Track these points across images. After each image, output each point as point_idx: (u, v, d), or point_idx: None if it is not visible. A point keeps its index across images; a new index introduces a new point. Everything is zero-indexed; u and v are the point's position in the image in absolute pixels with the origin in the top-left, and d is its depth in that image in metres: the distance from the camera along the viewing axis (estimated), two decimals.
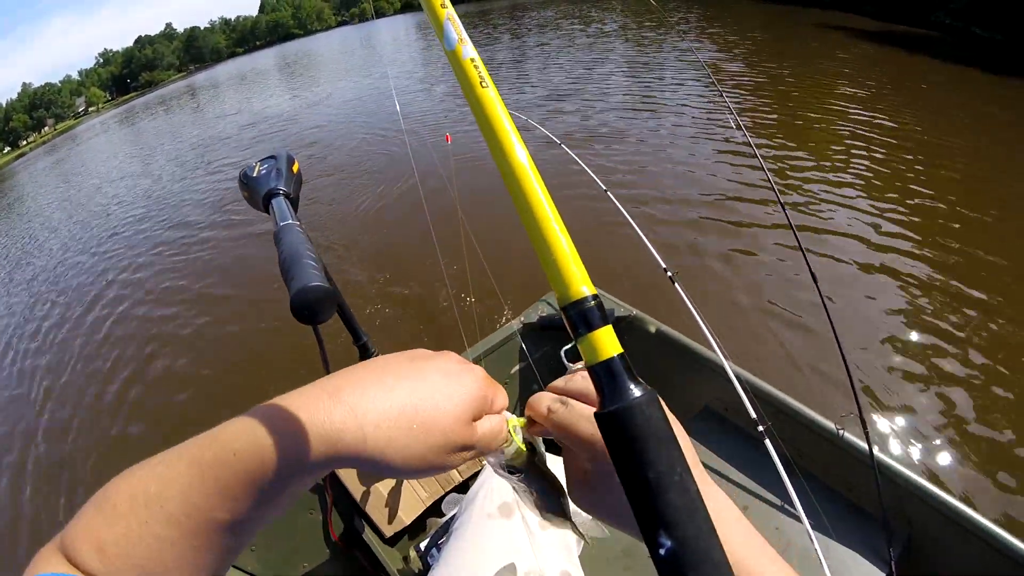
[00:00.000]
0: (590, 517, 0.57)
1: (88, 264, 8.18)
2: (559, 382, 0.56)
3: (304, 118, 14.93)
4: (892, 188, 5.31)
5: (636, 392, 0.38)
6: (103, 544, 0.39)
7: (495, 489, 1.13)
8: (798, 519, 1.47)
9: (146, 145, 19.95)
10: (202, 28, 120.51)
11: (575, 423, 0.50)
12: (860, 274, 4.11)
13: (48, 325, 6.58)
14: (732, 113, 2.29)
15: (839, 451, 1.65)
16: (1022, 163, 5.62)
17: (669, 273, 1.96)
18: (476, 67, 0.44)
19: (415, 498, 1.90)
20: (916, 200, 5.07)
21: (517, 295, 3.51)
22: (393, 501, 1.87)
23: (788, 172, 5.79)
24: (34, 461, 4.33)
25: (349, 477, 1.81)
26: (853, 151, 6.20)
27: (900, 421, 2.94)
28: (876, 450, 1.54)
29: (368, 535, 1.80)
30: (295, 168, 1.11)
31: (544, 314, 2.25)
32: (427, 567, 1.66)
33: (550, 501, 0.59)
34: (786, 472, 1.49)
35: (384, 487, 1.88)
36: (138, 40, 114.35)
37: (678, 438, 0.50)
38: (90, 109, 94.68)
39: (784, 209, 1.94)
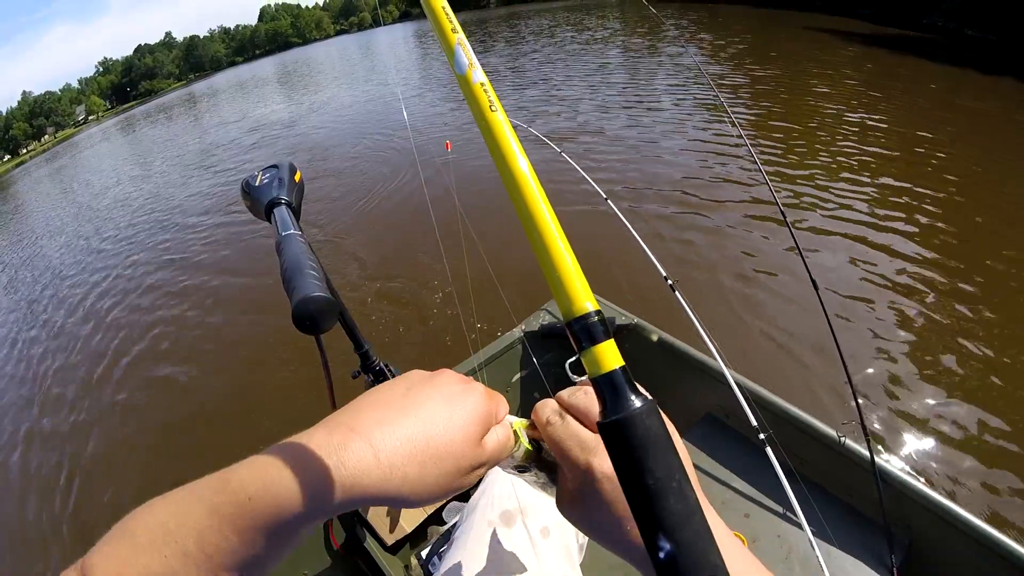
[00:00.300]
0: None
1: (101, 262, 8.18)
2: (565, 393, 0.57)
3: (304, 124, 15.02)
4: (889, 191, 5.35)
5: (636, 403, 0.39)
6: (122, 573, 0.40)
7: (496, 497, 1.13)
8: (800, 526, 1.47)
9: (147, 151, 20.02)
10: (201, 37, 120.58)
11: (567, 445, 0.52)
12: (860, 278, 4.13)
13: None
14: (730, 117, 2.30)
15: (840, 458, 1.66)
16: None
17: (670, 281, 1.97)
18: (486, 91, 0.46)
19: None
20: (916, 202, 5.09)
21: (518, 302, 3.52)
22: (394, 509, 1.88)
23: (786, 177, 5.83)
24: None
25: None
26: (849, 153, 6.26)
27: (901, 427, 2.94)
28: (877, 457, 1.55)
29: (370, 543, 1.80)
30: (297, 177, 1.12)
31: (546, 322, 2.27)
32: (429, 575, 1.67)
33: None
34: (787, 479, 1.50)
35: None
36: (138, 49, 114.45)
37: (684, 458, 0.53)
38: (90, 118, 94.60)
39: (787, 221, 1.95)
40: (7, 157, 75.84)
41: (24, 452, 4.57)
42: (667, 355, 2.03)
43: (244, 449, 0.55)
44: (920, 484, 1.52)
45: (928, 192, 5.23)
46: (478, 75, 0.47)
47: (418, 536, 1.92)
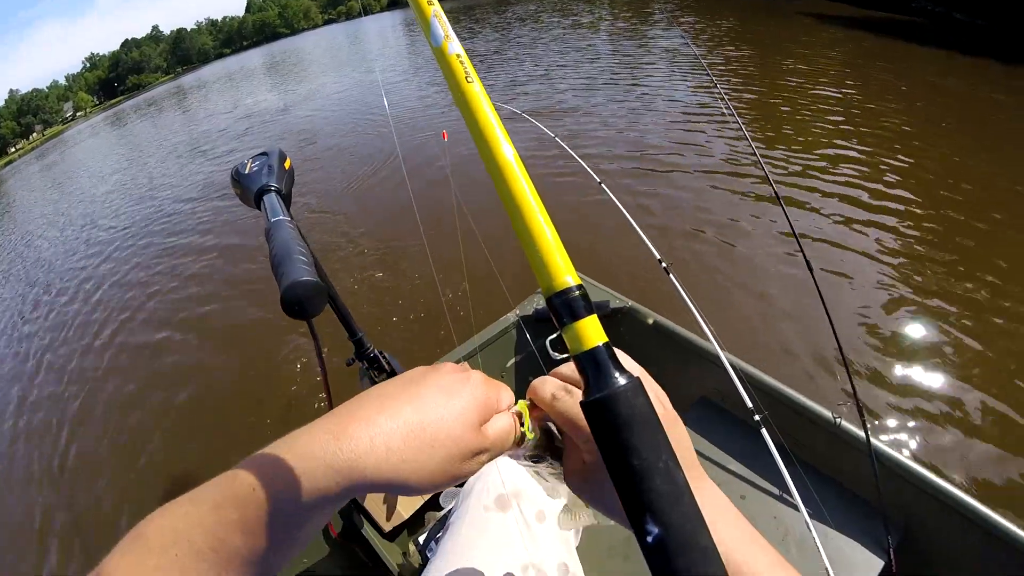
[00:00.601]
0: None
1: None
2: (563, 368, 0.57)
3: (294, 113, 15.01)
4: (879, 170, 5.33)
5: (621, 380, 0.38)
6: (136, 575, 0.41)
7: (491, 482, 1.13)
8: (796, 508, 1.48)
9: (138, 144, 19.93)
10: (188, 30, 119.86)
11: (578, 414, 0.50)
12: (854, 258, 4.11)
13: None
14: (723, 99, 2.28)
15: (836, 440, 1.66)
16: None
17: (664, 264, 1.96)
18: (462, 62, 0.45)
19: None
20: (906, 179, 5.09)
21: (514, 287, 3.51)
22: (391, 496, 1.88)
23: (778, 159, 5.79)
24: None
25: None
26: (840, 135, 6.21)
27: (897, 408, 2.94)
28: (873, 438, 1.55)
29: (367, 530, 1.80)
30: (287, 164, 1.12)
31: (540, 306, 2.26)
32: (426, 561, 1.67)
33: None
34: (783, 461, 1.50)
35: None
36: (124, 43, 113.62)
37: (675, 428, 0.52)
38: (78, 114, 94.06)
39: (780, 200, 1.95)
40: None
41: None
42: (662, 338, 2.03)
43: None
44: (916, 465, 1.52)
45: (919, 172, 5.24)
46: (454, 47, 0.46)
47: (415, 522, 1.92)
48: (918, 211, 4.60)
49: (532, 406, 0.57)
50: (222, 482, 0.44)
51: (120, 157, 18.24)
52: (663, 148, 6.60)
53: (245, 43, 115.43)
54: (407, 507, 1.89)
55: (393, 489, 0.45)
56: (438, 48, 0.46)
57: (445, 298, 4.40)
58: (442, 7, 0.48)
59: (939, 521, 1.50)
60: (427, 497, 1.92)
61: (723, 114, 7.02)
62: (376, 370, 1.58)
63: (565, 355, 0.44)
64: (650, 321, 2.05)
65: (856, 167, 5.45)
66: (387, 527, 1.85)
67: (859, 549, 1.56)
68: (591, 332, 0.39)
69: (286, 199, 1.05)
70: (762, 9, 14.72)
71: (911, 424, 2.86)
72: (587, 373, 0.39)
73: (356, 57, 26.15)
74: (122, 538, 0.43)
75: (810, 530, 1.43)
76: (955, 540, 1.48)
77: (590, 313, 0.40)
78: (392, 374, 1.58)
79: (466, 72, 0.44)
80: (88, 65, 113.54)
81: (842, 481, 1.72)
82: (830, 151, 5.86)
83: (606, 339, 0.39)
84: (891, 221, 4.46)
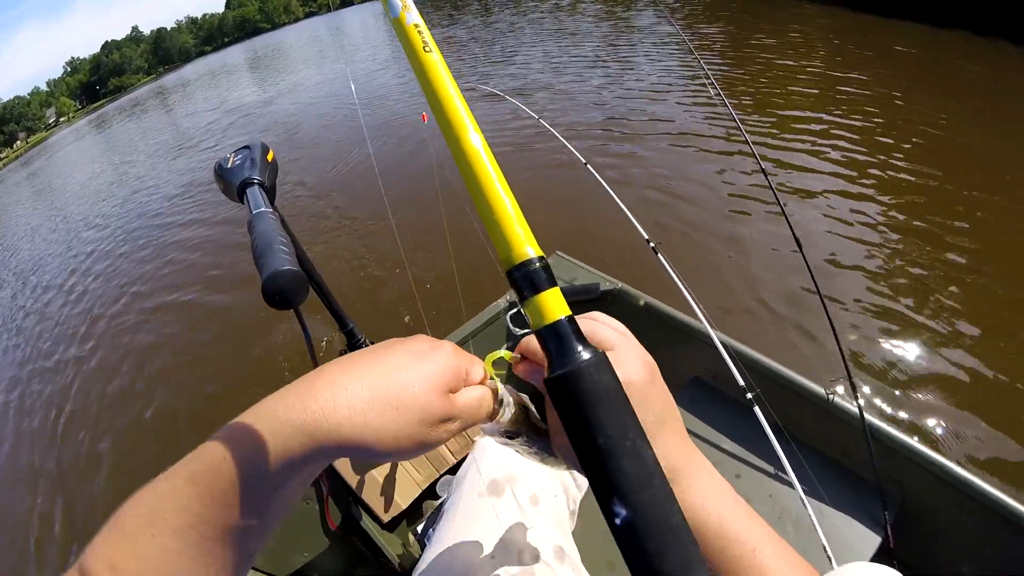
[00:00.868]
0: None
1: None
2: None
3: (278, 105, 15.07)
4: (869, 145, 5.30)
5: (585, 355, 0.37)
6: (115, 562, 0.40)
7: (484, 468, 1.12)
8: (791, 485, 1.47)
9: (125, 144, 20.01)
10: (169, 29, 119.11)
11: None
12: (843, 233, 4.09)
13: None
14: (709, 79, 2.25)
15: (830, 416, 1.64)
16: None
17: (652, 244, 1.94)
18: (420, 32, 0.44)
19: (410, 482, 1.90)
20: (894, 158, 5.06)
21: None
22: (388, 487, 1.88)
23: (766, 137, 5.77)
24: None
25: (343, 465, 1.80)
26: (828, 116, 6.15)
27: (890, 383, 2.94)
28: (867, 413, 1.54)
29: (366, 522, 1.80)
30: (270, 157, 1.11)
31: None
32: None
33: (551, 452, 0.59)
34: (777, 439, 1.50)
35: (379, 473, 1.88)
36: (105, 46, 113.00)
37: (668, 407, 0.52)
38: (61, 120, 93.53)
39: (768, 178, 1.93)
40: None
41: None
42: (653, 320, 2.01)
43: None
44: (911, 440, 1.51)
45: (903, 143, 5.22)
46: (412, 16, 0.45)
47: (414, 512, 1.92)
48: (907, 184, 4.60)
49: (521, 361, 0.56)
50: (194, 455, 0.43)
51: (104, 161, 18.25)
52: (646, 124, 6.61)
53: (226, 40, 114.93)
54: (404, 497, 1.88)
55: (359, 452, 0.45)
56: (396, 19, 0.45)
57: (438, 285, 4.39)
58: None
59: (936, 496, 1.49)
60: (424, 486, 1.91)
61: (705, 89, 7.00)
62: None
63: (526, 331, 0.43)
64: (641, 303, 2.04)
65: (848, 144, 5.46)
66: (385, 518, 1.85)
67: (856, 526, 1.55)
68: (553, 305, 0.38)
69: (270, 191, 1.04)
70: None
71: (904, 399, 2.85)
72: (549, 348, 0.38)
73: (337, 49, 26.09)
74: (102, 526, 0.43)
75: (806, 507, 1.43)
76: (952, 515, 1.48)
77: (552, 285, 0.38)
78: None
79: (424, 42, 0.43)
80: (69, 70, 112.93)
81: (837, 458, 1.71)
82: (815, 126, 5.85)
83: (569, 312, 0.38)
84: (883, 198, 4.44)
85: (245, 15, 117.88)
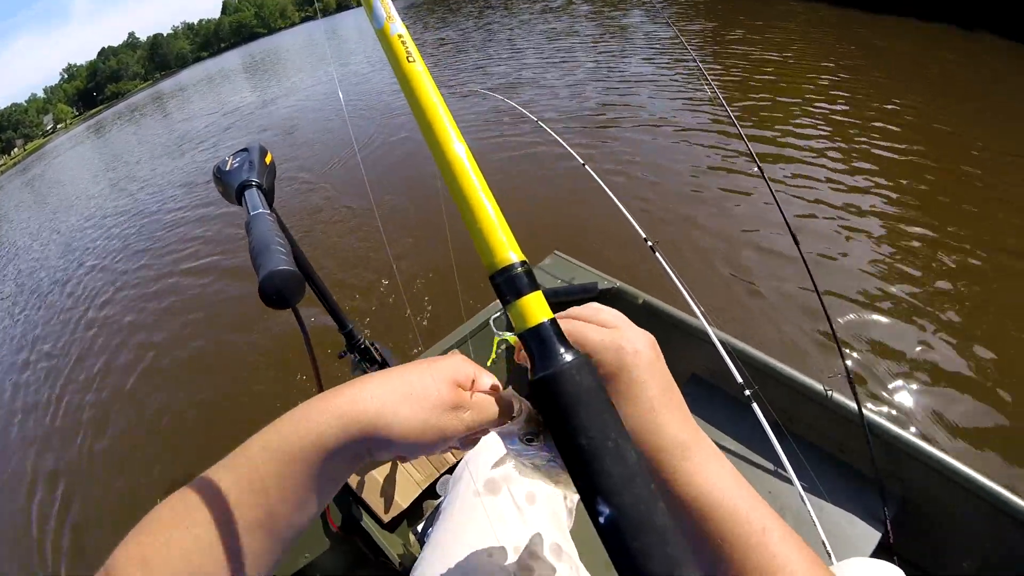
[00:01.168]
0: None
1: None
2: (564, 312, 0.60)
3: (276, 107, 15.10)
4: (861, 141, 5.31)
5: (567, 357, 0.38)
6: (146, 557, 0.42)
7: (480, 466, 1.13)
8: (790, 482, 1.48)
9: (124, 147, 20.02)
10: (165, 35, 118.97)
11: (584, 329, 0.54)
12: (839, 228, 4.10)
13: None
14: (705, 77, 2.25)
15: (828, 412, 1.65)
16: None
17: (650, 243, 1.95)
18: (404, 43, 0.45)
19: (410, 482, 1.91)
20: (889, 152, 5.07)
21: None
22: (389, 487, 1.89)
23: (761, 133, 5.79)
24: None
25: None
26: (821, 109, 6.19)
27: (889, 378, 2.93)
28: (865, 409, 1.55)
29: (367, 522, 1.80)
30: (268, 159, 1.12)
31: None
32: None
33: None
34: (776, 435, 1.51)
35: (379, 474, 1.89)
36: (101, 52, 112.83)
37: (672, 385, 0.54)
38: (58, 126, 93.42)
39: (762, 171, 1.94)
40: None
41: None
42: (651, 318, 2.02)
43: None
44: (910, 435, 1.52)
45: (899, 140, 5.23)
46: (396, 27, 0.46)
47: (414, 512, 1.92)
48: (901, 172, 4.63)
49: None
50: (238, 450, 0.47)
51: (102, 165, 18.27)
52: (639, 120, 6.66)
53: (223, 45, 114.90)
54: (405, 497, 1.89)
55: (381, 439, 0.48)
56: (380, 30, 0.46)
57: (436, 288, 4.39)
58: None
59: (936, 491, 1.50)
60: (424, 486, 1.92)
61: (699, 86, 7.09)
62: (368, 361, 1.58)
63: (509, 333, 0.44)
64: (640, 301, 2.05)
65: (824, 130, 5.55)
66: (386, 518, 1.86)
67: (856, 521, 1.56)
68: (535, 308, 0.39)
69: (268, 193, 1.06)
70: None
71: (904, 393, 2.85)
72: (532, 351, 0.39)
73: (334, 52, 26.08)
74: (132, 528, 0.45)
75: (805, 504, 1.44)
76: (953, 510, 1.49)
77: (534, 289, 0.39)
78: (384, 365, 1.58)
79: (408, 52, 0.44)
80: (66, 76, 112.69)
81: (836, 454, 1.72)
82: (806, 120, 5.88)
83: (551, 315, 0.39)
84: (878, 191, 4.45)
85: (241, 20, 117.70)
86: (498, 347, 0.58)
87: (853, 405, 1.57)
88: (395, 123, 9.11)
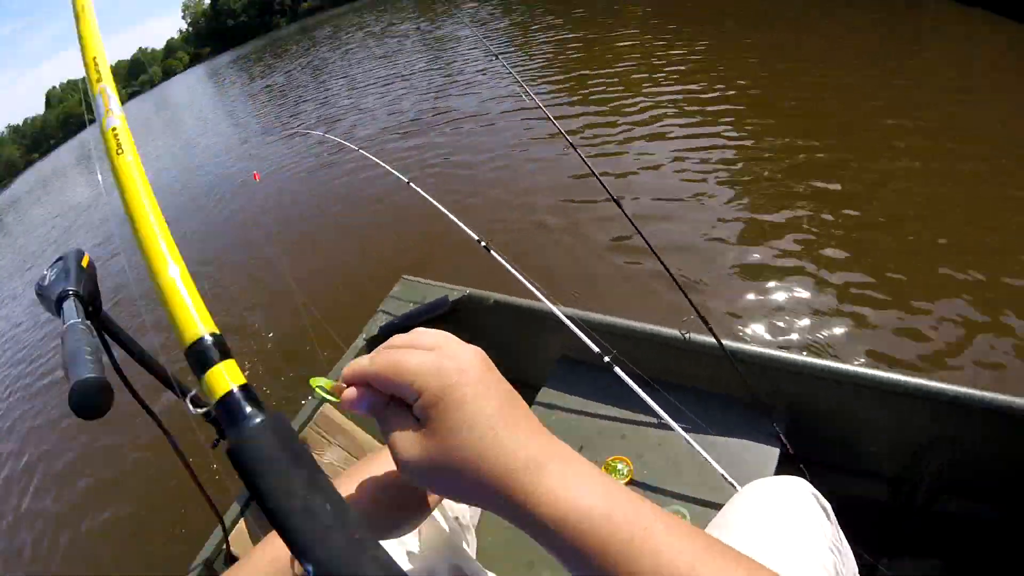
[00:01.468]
0: None
1: None
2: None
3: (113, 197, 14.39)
4: (662, 99, 5.74)
5: (255, 420, 0.38)
6: None
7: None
8: (674, 429, 1.53)
9: None
10: None
11: (400, 356, 0.49)
12: (660, 182, 4.41)
13: None
14: (519, 83, 2.29)
15: (692, 353, 1.70)
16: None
17: (483, 243, 1.98)
18: (116, 136, 0.47)
19: None
20: (715, 93, 5.52)
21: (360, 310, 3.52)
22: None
23: (582, 119, 6.09)
24: None
25: None
26: (646, 86, 6.49)
27: (738, 307, 3.14)
28: (724, 339, 1.61)
29: None
30: (85, 262, 1.10)
31: (383, 323, 2.23)
32: None
33: None
34: (645, 389, 1.56)
35: None
36: None
37: (511, 397, 0.50)
38: None
39: (573, 145, 1.97)
40: None
41: None
42: (508, 315, 2.06)
43: None
44: (771, 350, 1.61)
45: (731, 95, 5.61)
46: (112, 120, 0.49)
47: None
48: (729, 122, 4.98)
49: (350, 386, 0.52)
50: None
51: None
52: (459, 125, 7.04)
53: (53, 141, 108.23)
54: None
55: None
56: (98, 122, 0.48)
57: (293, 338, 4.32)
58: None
59: (815, 392, 1.59)
60: None
61: (513, 83, 7.40)
62: None
63: (205, 409, 0.44)
64: (491, 302, 2.08)
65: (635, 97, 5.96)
66: None
67: (751, 446, 1.61)
68: (219, 380, 0.39)
69: (89, 297, 1.04)
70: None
71: (755, 315, 3.07)
72: (222, 421, 0.39)
73: (164, 123, 25.23)
74: None
75: (692, 444, 1.48)
76: (836, 403, 1.58)
77: (224, 358, 0.40)
78: None
79: (118, 146, 0.46)
80: None
81: (713, 390, 1.77)
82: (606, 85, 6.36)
83: (243, 381, 0.40)
84: (689, 142, 4.82)
85: (67, 110, 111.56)
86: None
87: (711, 339, 1.62)
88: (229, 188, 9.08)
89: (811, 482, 0.98)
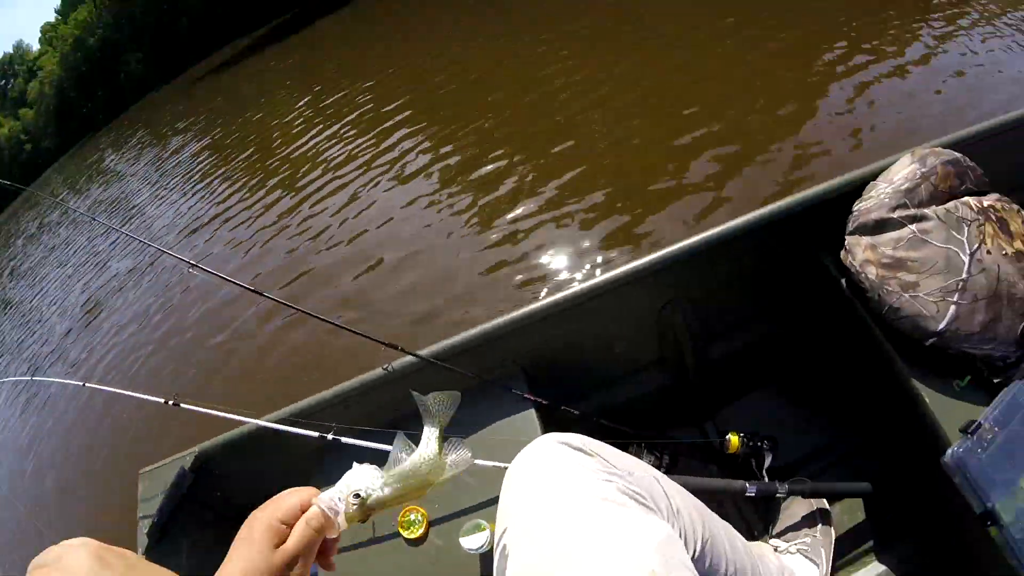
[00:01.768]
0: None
1: None
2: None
3: None
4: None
5: None
6: None
7: None
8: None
9: None
10: None
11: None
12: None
13: None
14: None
15: (404, 380, 1.67)
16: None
17: (171, 403, 1.87)
18: None
19: None
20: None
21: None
22: None
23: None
24: None
25: None
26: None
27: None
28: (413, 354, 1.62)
29: None
30: None
31: (149, 528, 1.85)
32: None
33: None
34: (382, 438, 1.41)
35: None
36: None
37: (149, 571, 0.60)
38: None
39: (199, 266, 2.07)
40: None
41: None
42: (238, 447, 1.90)
43: None
44: (486, 324, 1.66)
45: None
46: None
47: None
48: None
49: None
50: None
51: None
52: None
53: None
54: None
55: None
56: None
57: None
58: None
59: (543, 338, 1.69)
60: None
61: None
62: None
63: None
64: (221, 444, 1.91)
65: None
66: None
67: (510, 420, 1.62)
68: None
69: None
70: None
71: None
72: None
73: None
74: None
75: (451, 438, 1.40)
76: (561, 336, 1.70)
77: None
78: None
79: None
80: None
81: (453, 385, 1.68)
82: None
83: None
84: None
85: None
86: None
87: (412, 357, 1.62)
88: None
89: (576, 419, 1.04)
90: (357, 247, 4.71)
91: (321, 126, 7.40)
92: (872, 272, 1.38)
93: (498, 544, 0.88)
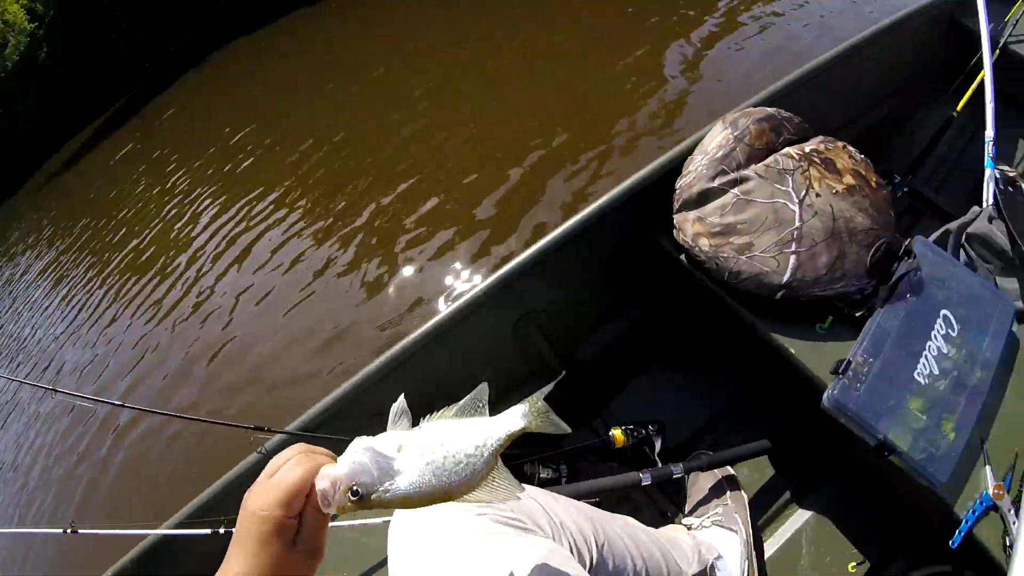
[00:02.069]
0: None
1: None
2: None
3: None
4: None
5: None
6: None
7: None
8: None
9: None
10: None
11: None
12: None
13: None
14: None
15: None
16: None
17: (69, 530, 1.80)
18: None
19: None
20: None
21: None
22: None
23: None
24: None
25: None
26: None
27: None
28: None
29: None
30: None
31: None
32: None
33: None
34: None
35: None
36: None
37: (250, 538, 0.59)
38: None
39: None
40: None
41: None
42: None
43: None
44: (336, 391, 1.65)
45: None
46: None
47: None
48: None
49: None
50: None
51: None
52: None
53: None
54: None
55: None
56: None
57: None
58: None
59: (374, 396, 1.66)
60: None
61: None
62: None
63: None
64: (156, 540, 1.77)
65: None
66: None
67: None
68: None
69: None
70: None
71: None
72: None
73: None
74: None
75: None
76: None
77: None
78: None
79: None
80: None
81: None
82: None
83: None
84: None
85: None
86: None
87: (280, 436, 1.62)
88: None
89: None
90: (207, 331, 4.65)
91: (171, 209, 7.42)
92: (705, 244, 1.42)
93: None
